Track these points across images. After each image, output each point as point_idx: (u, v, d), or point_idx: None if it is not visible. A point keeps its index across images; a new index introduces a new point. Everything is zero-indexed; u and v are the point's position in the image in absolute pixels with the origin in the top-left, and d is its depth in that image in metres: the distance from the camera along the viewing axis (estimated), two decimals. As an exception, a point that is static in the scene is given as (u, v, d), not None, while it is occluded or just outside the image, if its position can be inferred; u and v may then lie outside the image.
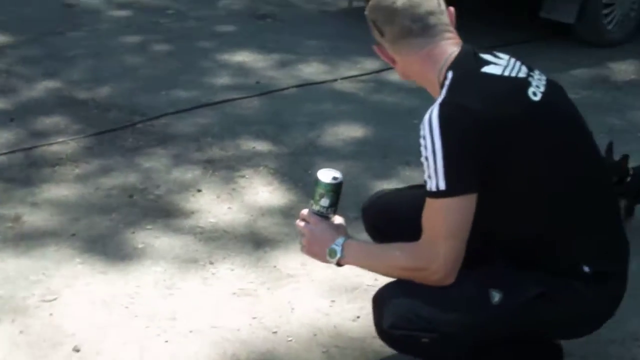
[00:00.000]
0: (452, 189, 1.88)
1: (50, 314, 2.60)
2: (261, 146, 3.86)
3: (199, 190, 3.42)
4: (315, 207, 2.15)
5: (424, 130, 1.90)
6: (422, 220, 1.95)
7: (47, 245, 2.98)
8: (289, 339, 2.53)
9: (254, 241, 3.07)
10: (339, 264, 2.12)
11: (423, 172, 1.92)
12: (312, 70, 4.95)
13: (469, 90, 1.94)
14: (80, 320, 2.58)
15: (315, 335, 2.55)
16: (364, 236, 2.44)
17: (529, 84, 1.98)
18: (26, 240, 3.01)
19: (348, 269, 2.86)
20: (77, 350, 2.43)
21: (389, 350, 2.46)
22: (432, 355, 2.03)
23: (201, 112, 4.25)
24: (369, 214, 2.44)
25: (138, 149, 3.80)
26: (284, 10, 6.22)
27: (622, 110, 4.54)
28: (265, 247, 3.03)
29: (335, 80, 4.78)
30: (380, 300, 2.07)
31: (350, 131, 4.02)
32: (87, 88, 4.50)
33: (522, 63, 2.05)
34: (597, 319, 2.09)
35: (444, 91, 1.95)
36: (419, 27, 2.00)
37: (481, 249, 2.03)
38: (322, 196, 2.13)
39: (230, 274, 2.86)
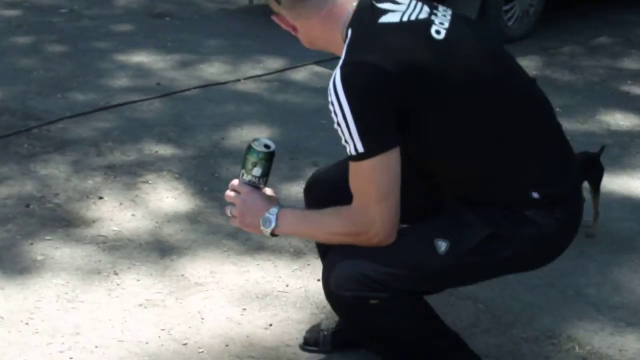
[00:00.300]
0: (371, 149, 1.85)
1: (-57, 335, 2.46)
2: (164, 150, 3.77)
3: (100, 198, 3.31)
4: (247, 177, 2.09)
5: (331, 96, 1.87)
6: (350, 185, 1.92)
7: (-62, 260, 2.82)
8: (200, 350, 2.46)
9: (159, 249, 2.98)
10: (273, 234, 2.06)
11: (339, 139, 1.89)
12: (214, 70, 4.87)
13: (366, 45, 1.90)
14: (-24, 340, 2.44)
15: (227, 345, 2.48)
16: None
17: (431, 23, 1.95)
18: None
19: (257, 275, 2.84)
20: (-26, 373, 2.31)
21: (303, 357, 2.43)
22: (377, 325, 2.02)
23: (100, 115, 4.13)
24: (314, 191, 2.36)
25: (34, 155, 3.65)
26: (182, 9, 6.11)
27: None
28: (172, 255, 2.94)
29: (239, 80, 4.71)
30: (329, 265, 2.03)
31: (255, 132, 3.95)
32: (-23, 92, 4.31)
33: (424, 3, 2.01)
34: (555, 244, 2.07)
35: (343, 52, 1.92)
36: None
37: (425, 203, 2.04)
38: (254, 165, 2.08)
39: (136, 285, 2.77)
